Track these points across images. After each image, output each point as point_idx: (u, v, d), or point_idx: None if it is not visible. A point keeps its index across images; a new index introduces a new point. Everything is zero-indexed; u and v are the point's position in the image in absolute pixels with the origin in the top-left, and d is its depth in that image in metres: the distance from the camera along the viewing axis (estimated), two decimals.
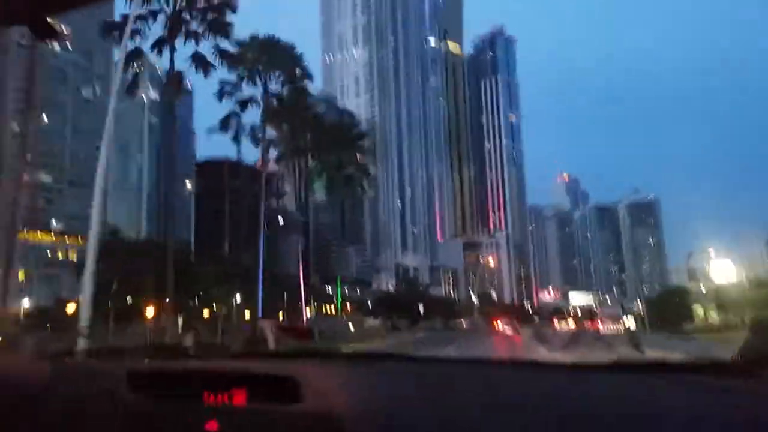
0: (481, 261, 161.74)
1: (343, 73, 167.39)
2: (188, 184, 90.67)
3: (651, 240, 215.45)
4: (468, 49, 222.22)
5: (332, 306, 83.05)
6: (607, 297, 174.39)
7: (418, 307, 77.14)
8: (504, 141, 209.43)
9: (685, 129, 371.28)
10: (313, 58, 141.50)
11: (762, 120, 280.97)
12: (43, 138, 67.18)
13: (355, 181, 46.17)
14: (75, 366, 1.59)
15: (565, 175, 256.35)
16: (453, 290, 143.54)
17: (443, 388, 1.23)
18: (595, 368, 1.48)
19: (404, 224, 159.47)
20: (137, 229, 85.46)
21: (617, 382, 1.32)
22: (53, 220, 68.33)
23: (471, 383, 1.30)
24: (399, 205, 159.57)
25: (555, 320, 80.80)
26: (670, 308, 61.42)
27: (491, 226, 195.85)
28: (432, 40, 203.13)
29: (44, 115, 66.04)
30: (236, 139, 38.87)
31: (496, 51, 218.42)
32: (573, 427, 0.97)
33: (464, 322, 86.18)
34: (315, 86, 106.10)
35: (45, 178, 66.56)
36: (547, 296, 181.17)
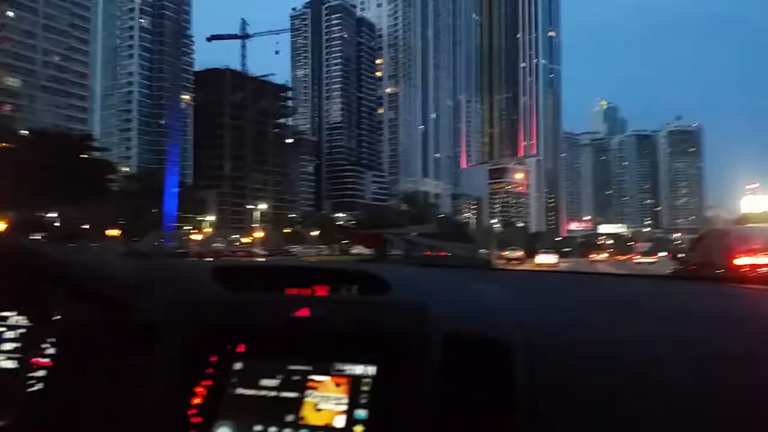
0: (508, 188, 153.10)
1: None
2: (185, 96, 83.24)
3: (691, 170, 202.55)
4: None
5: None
6: (642, 230, 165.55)
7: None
8: (541, 60, 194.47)
9: (733, 54, 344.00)
10: None
11: None
12: (9, 35, 59.94)
13: None
14: (159, 263, 1.64)
15: (603, 101, 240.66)
16: (476, 219, 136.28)
17: (524, 292, 1.28)
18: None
19: (426, 149, 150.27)
20: (127, 145, 79.39)
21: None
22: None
23: (555, 288, 1.39)
24: (421, 128, 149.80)
25: (592, 253, 74.46)
26: None
27: (521, 153, 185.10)
28: None
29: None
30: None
31: None
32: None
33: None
34: None
35: (12, 81, 59.32)
36: (576, 226, 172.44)
